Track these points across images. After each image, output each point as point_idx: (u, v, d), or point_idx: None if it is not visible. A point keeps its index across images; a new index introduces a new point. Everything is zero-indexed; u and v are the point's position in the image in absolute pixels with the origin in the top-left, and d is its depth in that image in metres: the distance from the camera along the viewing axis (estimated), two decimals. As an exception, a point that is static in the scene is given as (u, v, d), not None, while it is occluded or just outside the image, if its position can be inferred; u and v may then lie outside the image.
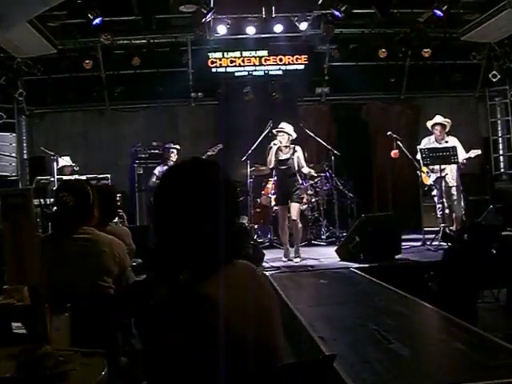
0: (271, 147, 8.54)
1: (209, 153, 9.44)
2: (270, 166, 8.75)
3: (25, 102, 11.35)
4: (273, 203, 9.60)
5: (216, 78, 11.73)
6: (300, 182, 8.91)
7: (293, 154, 8.58)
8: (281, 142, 8.51)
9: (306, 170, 8.72)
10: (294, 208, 8.51)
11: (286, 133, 8.54)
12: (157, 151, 10.68)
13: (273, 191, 9.70)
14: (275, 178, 9.70)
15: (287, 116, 10.01)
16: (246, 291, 1.73)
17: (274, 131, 8.72)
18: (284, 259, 8.59)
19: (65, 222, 3.29)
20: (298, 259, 8.51)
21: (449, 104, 11.95)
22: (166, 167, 9.78)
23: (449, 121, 9.49)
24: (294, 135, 8.65)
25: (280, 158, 8.59)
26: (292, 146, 8.60)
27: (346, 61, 11.74)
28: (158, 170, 9.91)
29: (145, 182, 10.42)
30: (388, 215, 9.06)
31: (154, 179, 9.87)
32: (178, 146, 9.98)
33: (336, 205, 10.19)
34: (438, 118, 9.48)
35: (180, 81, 11.66)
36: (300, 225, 8.72)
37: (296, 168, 8.62)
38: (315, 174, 9.31)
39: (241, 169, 9.33)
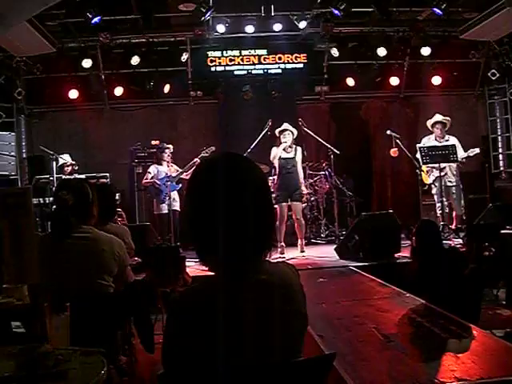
0: (281, 143, 8.75)
1: (202, 154, 9.42)
2: (274, 161, 8.81)
3: (24, 101, 11.34)
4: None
5: (215, 76, 11.72)
6: (301, 180, 9.00)
7: (295, 154, 8.78)
8: (287, 142, 8.71)
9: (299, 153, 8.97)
10: (297, 207, 8.79)
11: (292, 132, 8.76)
12: (156, 150, 10.68)
13: (272, 190, 9.70)
14: (274, 177, 9.74)
15: (286, 115, 10.06)
16: (264, 296, 1.70)
17: (276, 131, 8.83)
18: (281, 256, 8.64)
19: (64, 220, 3.29)
20: (303, 253, 8.77)
21: (448, 102, 11.94)
22: (159, 166, 9.81)
23: (448, 119, 9.52)
24: (296, 135, 8.86)
25: (283, 157, 8.75)
26: (294, 146, 8.86)
27: (345, 59, 11.74)
28: (152, 170, 9.90)
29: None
30: (387, 214, 9.04)
31: (148, 178, 9.85)
32: (170, 146, 9.98)
33: (335, 203, 10.19)
34: (438, 117, 9.50)
35: (179, 79, 11.66)
36: (303, 222, 8.98)
37: (297, 166, 8.88)
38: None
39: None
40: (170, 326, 1.72)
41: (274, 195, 9.03)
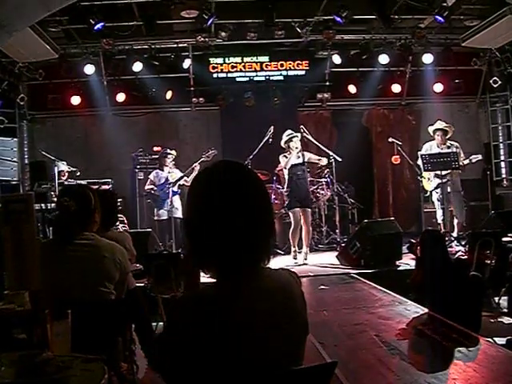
0: (292, 149, 8.73)
1: (203, 158, 9.41)
2: (288, 167, 8.80)
3: (26, 107, 11.38)
4: (274, 208, 9.57)
5: (217, 83, 11.74)
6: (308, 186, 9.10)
7: (303, 159, 8.74)
8: (298, 147, 8.72)
9: (315, 157, 9.03)
10: (308, 213, 8.80)
11: (297, 136, 8.78)
12: (157, 156, 10.71)
13: (273, 197, 9.71)
14: (275, 184, 9.75)
15: (288, 121, 10.06)
16: (264, 302, 1.69)
17: (283, 142, 8.79)
18: (294, 261, 8.69)
19: (66, 227, 3.28)
20: (306, 261, 8.76)
21: (450, 110, 11.96)
22: (161, 172, 9.80)
23: (450, 126, 9.51)
24: (300, 137, 8.91)
25: (293, 163, 8.70)
26: (302, 151, 8.86)
27: (347, 66, 11.76)
28: (153, 175, 9.92)
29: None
30: (389, 221, 9.05)
31: (149, 185, 9.86)
32: (174, 152, 9.99)
33: (337, 210, 10.18)
34: (440, 124, 9.49)
35: (181, 86, 11.68)
36: (311, 229, 9.03)
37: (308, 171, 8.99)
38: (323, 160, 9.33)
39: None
40: (170, 327, 1.72)
41: (280, 202, 9.04)
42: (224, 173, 1.76)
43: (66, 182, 9.57)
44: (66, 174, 9.98)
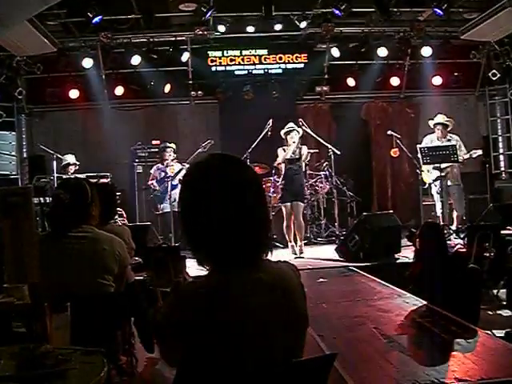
0: (290, 142, 8.69)
1: (200, 149, 9.42)
2: (282, 162, 8.79)
3: (24, 101, 11.35)
4: (272, 202, 9.58)
5: (216, 76, 11.72)
6: (305, 181, 9.08)
7: (301, 154, 8.72)
8: (295, 142, 8.66)
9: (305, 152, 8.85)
10: (298, 207, 8.68)
11: (297, 131, 8.76)
12: (156, 150, 10.70)
13: (272, 190, 9.70)
14: (274, 177, 9.74)
15: (287, 115, 10.03)
16: (263, 295, 1.69)
17: (282, 133, 8.78)
18: (292, 256, 8.65)
19: (60, 219, 3.27)
20: (303, 254, 8.71)
21: (448, 103, 11.94)
22: (162, 166, 9.83)
23: (450, 120, 9.50)
24: (301, 133, 8.87)
25: (288, 157, 8.69)
26: (300, 146, 8.79)
27: (345, 59, 11.74)
28: (154, 169, 9.95)
29: (144, 181, 10.44)
30: (388, 214, 9.06)
31: (151, 179, 9.90)
32: (173, 145, 10.02)
33: (336, 203, 10.18)
34: (440, 118, 9.48)
35: (180, 79, 11.65)
36: (303, 223, 8.90)
37: (303, 166, 8.90)
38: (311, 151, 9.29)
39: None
40: (169, 312, 1.73)
41: (278, 195, 9.03)
42: (219, 166, 1.76)
43: (69, 176, 9.49)
44: (73, 167, 9.86)
